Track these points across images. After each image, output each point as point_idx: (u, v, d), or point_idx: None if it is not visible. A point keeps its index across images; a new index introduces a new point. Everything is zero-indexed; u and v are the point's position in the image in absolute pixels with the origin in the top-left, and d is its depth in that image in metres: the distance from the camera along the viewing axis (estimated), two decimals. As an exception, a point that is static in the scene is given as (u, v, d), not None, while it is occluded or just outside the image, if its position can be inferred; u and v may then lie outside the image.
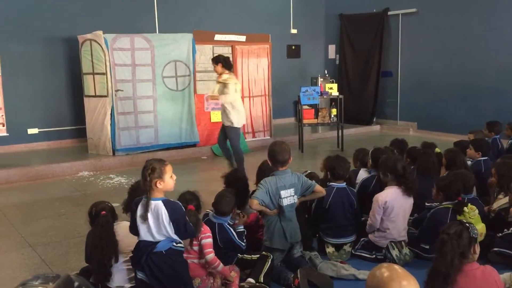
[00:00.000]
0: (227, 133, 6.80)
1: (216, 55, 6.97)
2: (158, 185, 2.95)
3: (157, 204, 2.96)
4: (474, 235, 2.56)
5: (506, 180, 4.23)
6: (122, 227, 3.35)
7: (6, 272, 4.00)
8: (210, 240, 3.36)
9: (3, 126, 7.49)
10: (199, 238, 3.31)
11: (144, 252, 3.00)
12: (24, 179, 7.21)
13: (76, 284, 2.63)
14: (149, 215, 2.94)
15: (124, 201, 3.60)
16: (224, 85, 6.64)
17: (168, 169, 3.02)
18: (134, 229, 3.07)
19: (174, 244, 3.05)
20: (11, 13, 8.61)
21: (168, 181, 3.00)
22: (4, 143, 8.49)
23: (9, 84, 8.03)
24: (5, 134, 7.58)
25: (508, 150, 6.22)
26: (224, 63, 6.66)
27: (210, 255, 3.32)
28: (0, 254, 4.42)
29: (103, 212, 3.27)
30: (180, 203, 3.09)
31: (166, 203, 2.99)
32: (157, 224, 2.96)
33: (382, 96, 11.79)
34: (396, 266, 1.80)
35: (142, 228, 3.00)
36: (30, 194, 6.53)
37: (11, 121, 7.95)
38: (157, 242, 2.99)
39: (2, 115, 7.45)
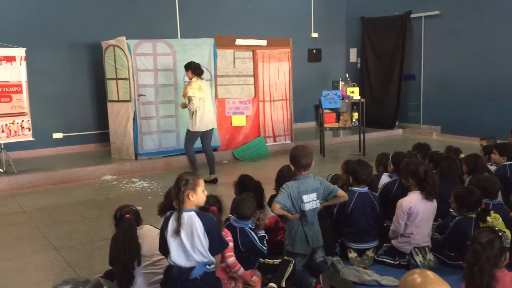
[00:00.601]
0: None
1: (188, 62, 7.18)
2: (190, 197, 2.92)
3: (190, 216, 2.91)
4: (506, 245, 2.52)
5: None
6: (145, 230, 3.38)
7: (32, 275, 4.08)
8: (231, 244, 3.36)
9: (29, 130, 7.62)
10: None
11: (178, 281, 2.92)
12: (49, 183, 7.35)
13: None
14: (182, 229, 2.87)
15: (160, 204, 3.63)
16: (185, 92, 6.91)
17: (201, 182, 3.00)
18: (163, 247, 2.98)
19: (208, 267, 2.99)
20: (36, 20, 8.80)
21: (200, 194, 2.98)
22: (30, 147, 8.65)
23: (35, 89, 8.19)
24: (31, 138, 7.72)
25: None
26: (193, 69, 6.93)
27: (231, 258, 3.32)
28: (26, 256, 4.51)
29: (128, 215, 3.31)
30: (212, 215, 3.05)
31: (199, 214, 2.95)
32: (191, 238, 2.89)
33: (404, 99, 11.66)
34: (429, 272, 1.76)
35: (174, 244, 2.91)
36: (55, 197, 6.64)
37: (37, 126, 8.10)
38: (192, 268, 2.92)
39: (28, 120, 7.59)
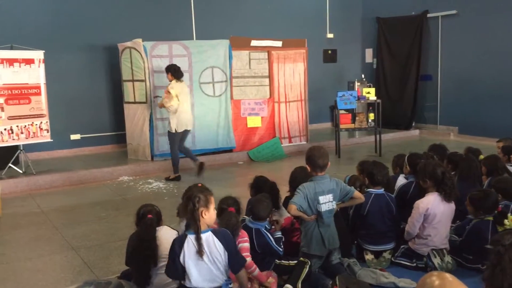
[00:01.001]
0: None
1: (169, 64, 7.52)
2: (203, 215, 2.78)
3: (207, 237, 2.79)
4: None
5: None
6: (163, 232, 3.38)
7: (50, 274, 4.13)
8: (247, 244, 3.36)
9: (48, 132, 7.73)
10: (237, 242, 3.31)
11: None
12: (67, 183, 7.44)
13: None
14: (204, 251, 2.76)
15: (179, 206, 3.65)
16: (167, 93, 7.22)
17: (213, 199, 2.87)
18: (173, 271, 2.83)
19: (230, 286, 2.94)
20: (54, 23, 8.93)
21: (212, 212, 2.86)
22: (48, 148, 8.79)
23: (53, 91, 8.30)
24: (49, 140, 7.83)
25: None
26: (173, 72, 7.27)
27: (247, 259, 3.32)
28: (45, 256, 4.56)
29: (150, 215, 3.32)
30: (226, 230, 2.97)
31: (215, 232, 2.84)
32: (212, 259, 2.81)
33: (421, 100, 11.56)
34: (447, 275, 1.75)
35: (195, 268, 2.79)
36: (72, 198, 6.72)
37: (55, 127, 8.21)
38: None
39: (47, 122, 7.69)
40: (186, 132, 7.49)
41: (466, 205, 3.94)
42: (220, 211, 3.46)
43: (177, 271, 2.83)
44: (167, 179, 7.47)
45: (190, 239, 2.79)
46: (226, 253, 2.83)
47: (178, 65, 8.30)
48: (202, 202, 2.79)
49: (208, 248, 2.79)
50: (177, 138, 7.40)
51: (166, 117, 8.34)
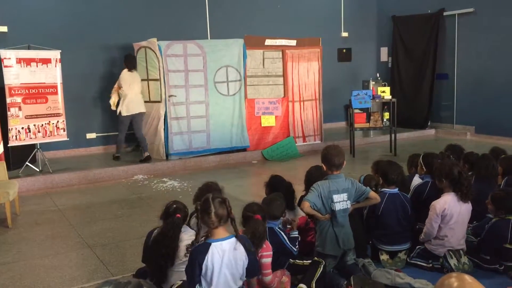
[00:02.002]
0: None
1: (128, 54, 8.41)
2: (232, 214, 2.79)
3: (233, 242, 2.78)
4: None
5: None
6: (186, 233, 3.35)
7: (66, 272, 4.17)
8: (269, 260, 3.27)
9: (64, 131, 7.82)
10: (259, 254, 3.22)
11: None
12: (83, 182, 7.52)
13: None
14: (225, 260, 2.73)
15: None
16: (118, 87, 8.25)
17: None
18: (196, 279, 2.73)
19: None
20: (71, 23, 9.01)
21: None
22: (64, 147, 8.89)
23: (69, 90, 8.39)
24: (65, 138, 7.92)
25: None
26: (126, 62, 8.21)
27: (269, 277, 3.26)
28: (61, 254, 4.61)
29: (179, 215, 3.32)
30: (247, 237, 2.95)
31: (239, 238, 2.81)
32: (235, 265, 2.79)
33: (437, 99, 11.43)
34: (466, 276, 1.73)
35: (218, 275, 2.75)
36: (88, 196, 6.78)
37: (71, 127, 8.31)
38: None
39: (63, 121, 7.78)
40: (136, 116, 8.19)
41: (487, 204, 3.91)
42: (245, 219, 3.35)
43: (195, 277, 2.75)
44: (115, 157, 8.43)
45: (215, 247, 2.73)
46: (248, 259, 2.82)
47: (193, 63, 8.38)
48: (228, 202, 2.79)
49: (233, 254, 2.77)
50: (125, 121, 8.18)
51: (181, 116, 8.41)
